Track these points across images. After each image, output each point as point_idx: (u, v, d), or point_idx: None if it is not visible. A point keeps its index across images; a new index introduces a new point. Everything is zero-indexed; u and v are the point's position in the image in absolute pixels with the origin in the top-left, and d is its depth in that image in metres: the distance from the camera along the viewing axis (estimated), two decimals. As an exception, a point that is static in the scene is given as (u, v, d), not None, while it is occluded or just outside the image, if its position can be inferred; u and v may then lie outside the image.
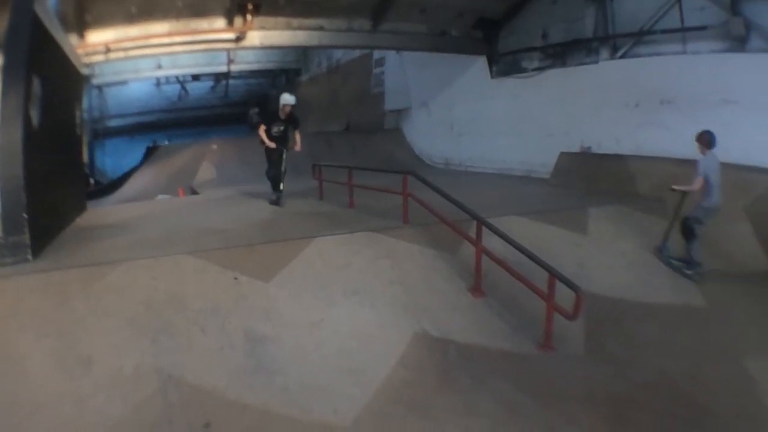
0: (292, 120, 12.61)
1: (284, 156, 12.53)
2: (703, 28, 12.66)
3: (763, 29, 11.63)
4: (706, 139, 9.59)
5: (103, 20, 14.08)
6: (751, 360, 7.11)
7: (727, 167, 10.40)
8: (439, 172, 19.82)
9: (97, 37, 14.30)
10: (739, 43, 12.10)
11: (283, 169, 12.59)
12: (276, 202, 12.60)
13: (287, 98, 12.45)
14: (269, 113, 13.15)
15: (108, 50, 14.56)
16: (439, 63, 20.10)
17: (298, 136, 12.79)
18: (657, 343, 7.73)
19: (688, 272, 9.77)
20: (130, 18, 14.40)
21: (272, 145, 12.30)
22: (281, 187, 12.46)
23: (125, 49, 14.95)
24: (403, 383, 6.53)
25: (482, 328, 7.63)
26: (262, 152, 12.29)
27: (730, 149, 11.53)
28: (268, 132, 12.37)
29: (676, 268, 9.93)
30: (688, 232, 9.84)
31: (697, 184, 9.44)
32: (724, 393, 6.54)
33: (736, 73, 12.01)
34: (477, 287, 8.30)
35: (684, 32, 13.24)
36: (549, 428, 5.91)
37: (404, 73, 23.82)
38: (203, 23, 15.41)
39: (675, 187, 9.79)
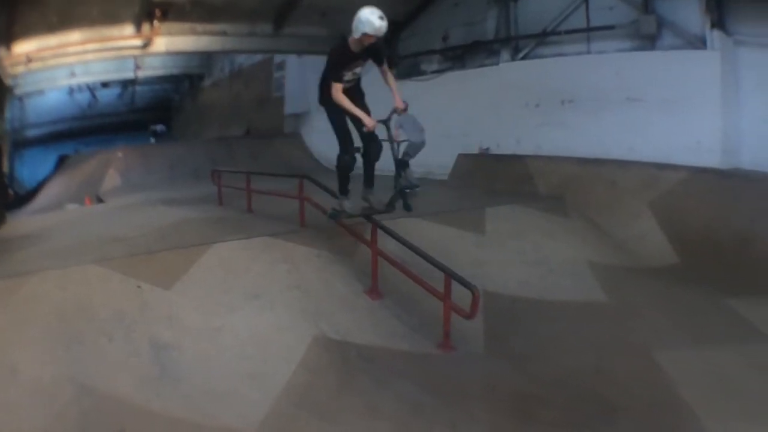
0: (375, 55, 8.00)
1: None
2: (610, 27, 13.15)
3: (675, 26, 12.13)
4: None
5: (29, 31, 14.16)
6: (661, 352, 7.26)
7: (632, 164, 11.53)
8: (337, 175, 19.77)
9: (22, 48, 14.32)
10: (649, 41, 12.58)
11: (377, 145, 8.79)
12: (344, 212, 8.85)
13: (372, 20, 7.31)
14: (335, 50, 7.98)
15: (29, 60, 14.63)
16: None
17: (392, 79, 8.36)
18: (560, 339, 7.92)
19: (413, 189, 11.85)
20: (51, 28, 14.47)
21: (366, 119, 8.15)
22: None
23: (44, 59, 15.04)
24: (306, 386, 6.61)
25: (381, 330, 7.77)
26: (165, 158, 11.63)
27: (636, 146, 12.12)
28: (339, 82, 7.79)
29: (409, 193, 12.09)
30: (404, 164, 11.51)
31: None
32: (633, 386, 6.66)
33: (641, 71, 12.50)
34: (374, 289, 8.40)
35: (589, 32, 13.69)
36: (452, 426, 5.99)
37: (304, 77, 23.72)
38: (114, 30, 15.51)
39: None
